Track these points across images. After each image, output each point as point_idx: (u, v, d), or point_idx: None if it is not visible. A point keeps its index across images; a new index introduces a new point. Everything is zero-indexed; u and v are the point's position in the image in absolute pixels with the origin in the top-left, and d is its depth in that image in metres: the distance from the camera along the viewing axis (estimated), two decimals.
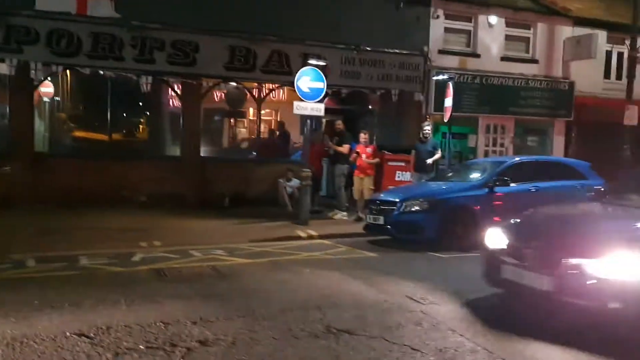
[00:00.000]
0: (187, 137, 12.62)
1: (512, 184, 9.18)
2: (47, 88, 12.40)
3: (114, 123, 12.64)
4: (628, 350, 4.19)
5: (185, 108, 12.62)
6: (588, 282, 4.19)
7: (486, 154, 15.08)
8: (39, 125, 12.41)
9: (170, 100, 13.74)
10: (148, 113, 14.44)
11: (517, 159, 10.61)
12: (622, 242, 4.26)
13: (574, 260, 4.29)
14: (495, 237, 5.22)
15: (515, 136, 15.79)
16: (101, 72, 11.68)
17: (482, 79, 14.77)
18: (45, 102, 12.98)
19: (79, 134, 13.61)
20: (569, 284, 4.28)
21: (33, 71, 11.05)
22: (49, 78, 11.82)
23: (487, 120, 15.30)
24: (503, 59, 15.13)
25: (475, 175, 9.72)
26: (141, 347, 4.06)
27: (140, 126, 14.65)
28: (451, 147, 13.05)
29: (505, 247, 5.02)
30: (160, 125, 14.47)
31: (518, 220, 5.50)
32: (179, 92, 12.57)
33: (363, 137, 11.27)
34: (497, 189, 9.03)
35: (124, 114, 13.82)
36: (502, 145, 15.58)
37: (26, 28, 10.86)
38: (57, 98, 13.21)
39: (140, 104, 13.87)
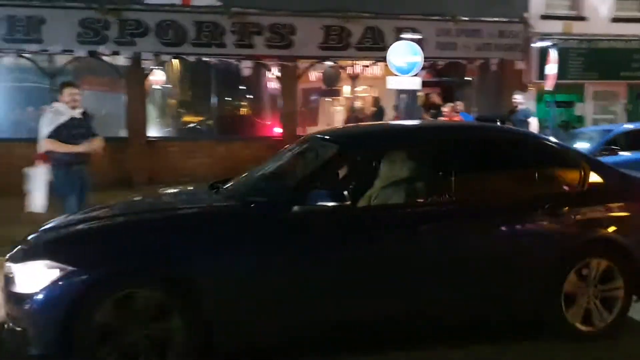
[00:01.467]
0: (285, 118, 13.05)
1: (623, 153, 8.73)
2: (157, 77, 13.33)
3: (218, 107, 13.38)
4: None
5: (283, 89, 13.04)
6: None
7: (595, 123, 14.30)
8: (151, 112, 13.38)
9: (269, 82, 14.22)
10: (249, 96, 15.04)
11: (627, 126, 10.05)
12: None
13: None
14: None
15: (628, 103, 14.83)
16: (205, 59, 12.36)
17: (590, 43, 13.96)
18: (156, 89, 13.97)
19: (187, 118, 14.49)
20: None
21: (145, 61, 11.91)
22: (159, 67, 12.67)
23: (595, 86, 14.48)
24: (614, 20, 14.19)
25: (582, 145, 9.32)
26: None
27: (242, 109, 15.28)
28: (556, 117, 12.54)
29: None
30: (260, 107, 15.04)
31: None
32: (277, 74, 13.01)
33: (449, 108, 10.84)
34: (604, 159, 8.61)
35: (227, 98, 14.49)
36: (613, 113, 14.70)
37: (137, 21, 11.68)
38: (167, 85, 14.17)
39: (241, 87, 14.49)
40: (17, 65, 11.92)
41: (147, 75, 12.37)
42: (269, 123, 14.26)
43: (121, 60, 11.82)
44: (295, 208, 3.68)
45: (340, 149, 4.26)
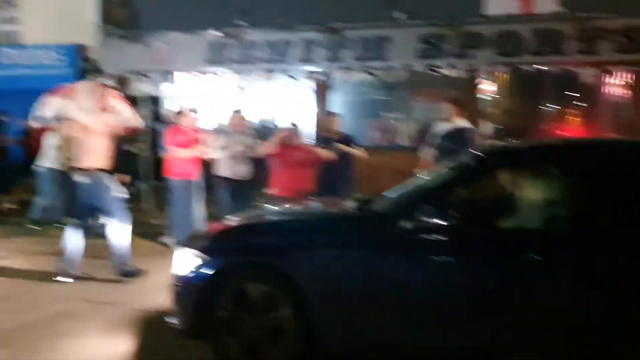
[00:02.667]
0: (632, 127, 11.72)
1: None
2: (488, 86, 13.35)
3: (550, 115, 12.73)
4: None
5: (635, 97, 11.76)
6: None
7: None
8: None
9: (610, 89, 12.94)
10: (583, 104, 13.97)
11: None
12: None
13: None
14: None
15: None
16: (541, 68, 11.88)
17: None
18: (483, 99, 14.01)
19: (518, 127, 14.15)
20: None
21: (478, 72, 12.05)
22: (488, 78, 12.67)
23: None
24: None
25: None
26: None
27: (575, 117, 14.27)
28: None
29: None
30: (596, 115, 13.82)
31: None
32: (623, 81, 11.78)
33: None
34: None
35: (560, 106, 13.69)
36: None
37: (475, 34, 11.86)
38: (496, 96, 14.09)
39: (575, 95, 13.54)
40: (365, 80, 13.26)
41: (476, 85, 12.48)
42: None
43: (458, 73, 12.15)
44: (402, 222, 3.62)
45: (470, 164, 4.10)
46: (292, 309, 3.86)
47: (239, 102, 13.69)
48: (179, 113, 8.35)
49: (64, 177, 9.03)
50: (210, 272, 4.07)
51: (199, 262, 4.15)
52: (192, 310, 4.13)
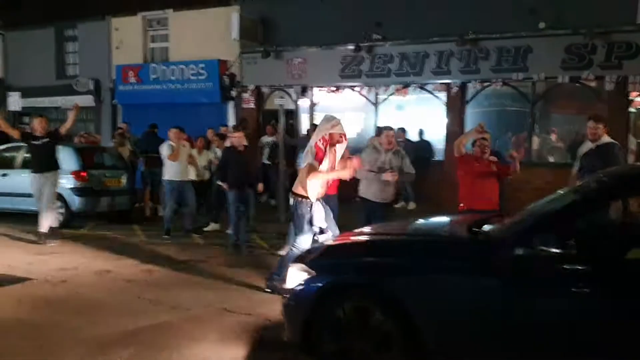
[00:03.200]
0: None
1: None
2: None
3: None
4: None
5: None
6: None
7: None
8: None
9: None
10: None
11: None
12: None
13: None
14: None
15: None
16: None
17: None
18: (634, 112, 12.91)
19: None
20: None
21: (631, 84, 11.15)
22: None
23: None
24: None
25: None
26: None
27: None
28: None
29: None
30: None
31: None
32: None
33: None
34: None
35: None
36: None
37: (627, 43, 11.00)
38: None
39: None
40: (501, 92, 12.76)
41: (631, 99, 11.53)
42: None
43: (606, 85, 11.33)
44: (517, 250, 3.43)
45: (585, 192, 3.79)
46: (401, 332, 3.72)
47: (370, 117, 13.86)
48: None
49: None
50: (316, 288, 4.02)
51: (306, 277, 4.11)
52: (300, 325, 4.09)
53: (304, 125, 14.18)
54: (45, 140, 8.87)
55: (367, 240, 4.70)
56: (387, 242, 4.43)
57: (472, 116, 12.87)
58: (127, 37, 17.07)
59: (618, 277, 3.35)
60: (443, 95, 13.08)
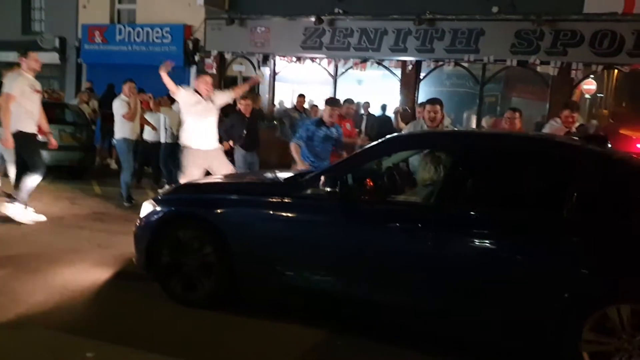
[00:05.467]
0: None
1: None
2: (589, 85, 12.88)
3: None
4: None
5: None
6: None
7: None
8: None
9: None
10: None
11: None
12: None
13: None
14: None
15: None
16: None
17: None
18: (586, 98, 13.51)
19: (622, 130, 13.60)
20: None
21: (574, 71, 11.68)
22: (590, 76, 12.22)
23: None
24: None
25: None
26: None
27: None
28: None
29: None
30: None
31: None
32: None
33: None
34: None
35: None
36: None
37: (572, 31, 11.50)
38: (599, 94, 13.54)
39: None
40: (453, 72, 13.23)
41: (575, 84, 12.09)
42: None
43: (550, 70, 11.86)
44: (307, 190, 4.47)
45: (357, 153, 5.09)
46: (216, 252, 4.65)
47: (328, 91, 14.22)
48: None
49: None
50: (156, 219, 4.92)
51: (151, 209, 5.00)
52: (144, 250, 4.94)
53: (265, 95, 14.49)
54: None
55: (208, 182, 5.64)
56: (221, 183, 5.42)
57: (424, 94, 13.33)
58: None
59: (358, 210, 4.45)
60: (399, 72, 13.48)
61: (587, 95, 13.33)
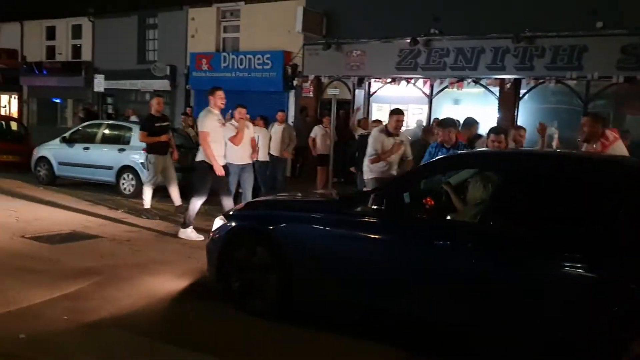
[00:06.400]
0: None
1: None
2: None
3: None
4: None
5: None
6: None
7: None
8: None
9: None
10: None
11: None
12: None
13: None
14: None
15: None
16: None
17: None
18: None
19: None
20: None
21: None
22: None
23: None
24: None
25: None
26: None
27: None
28: None
29: None
30: None
31: None
32: None
33: None
34: None
35: None
36: None
37: None
38: None
39: None
40: (558, 89, 12.83)
41: None
42: None
43: None
44: (358, 207, 4.68)
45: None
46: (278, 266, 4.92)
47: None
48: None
49: None
50: (225, 233, 5.25)
51: (221, 224, 5.36)
52: (215, 262, 5.27)
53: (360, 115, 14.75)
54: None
55: (272, 199, 5.95)
56: (283, 200, 5.77)
57: (524, 112, 13.07)
58: (202, 26, 18.21)
59: (402, 228, 4.60)
60: (497, 91, 13.31)
61: None
